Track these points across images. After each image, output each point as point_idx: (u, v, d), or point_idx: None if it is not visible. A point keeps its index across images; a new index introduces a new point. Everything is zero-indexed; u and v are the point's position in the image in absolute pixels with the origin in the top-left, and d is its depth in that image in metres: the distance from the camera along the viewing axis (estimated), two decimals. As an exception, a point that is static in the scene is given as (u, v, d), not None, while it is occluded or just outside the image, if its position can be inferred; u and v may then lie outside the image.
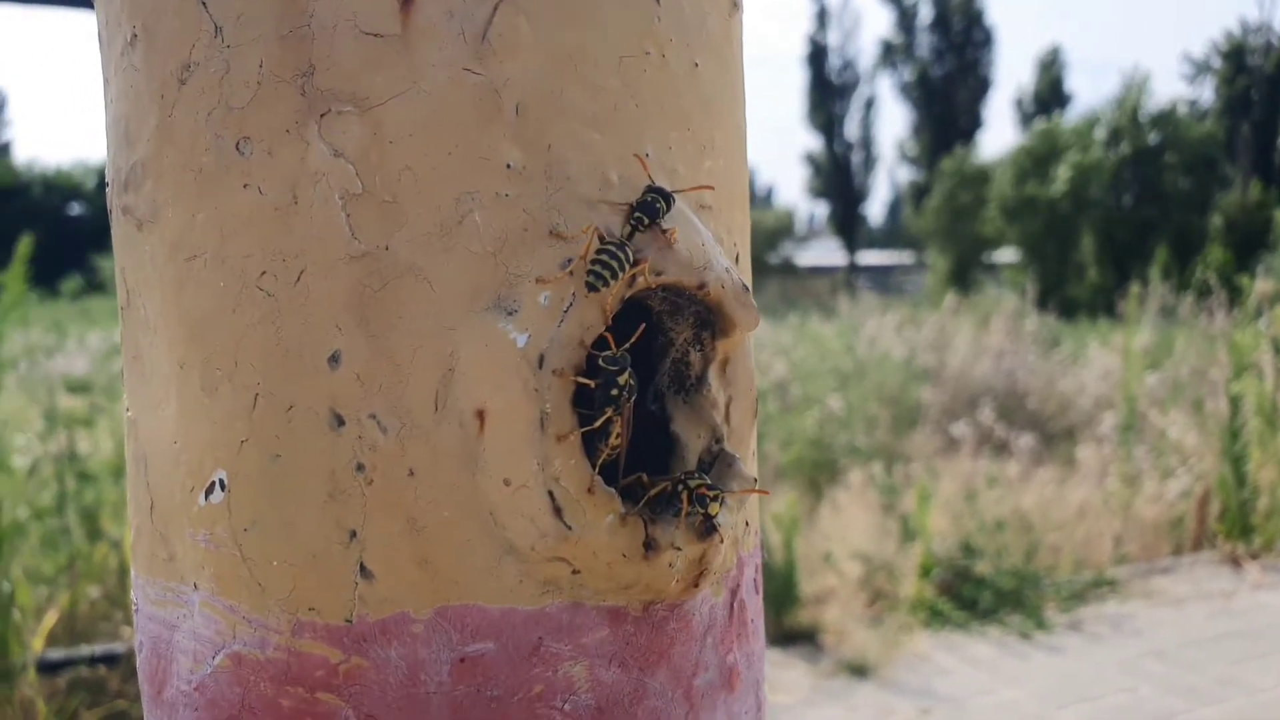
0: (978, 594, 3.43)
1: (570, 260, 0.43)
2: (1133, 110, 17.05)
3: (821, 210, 32.51)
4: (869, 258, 31.94)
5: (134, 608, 0.53)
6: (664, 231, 0.44)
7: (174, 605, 0.48)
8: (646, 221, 0.43)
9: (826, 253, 30.95)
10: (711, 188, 0.49)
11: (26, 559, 2.92)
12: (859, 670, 2.95)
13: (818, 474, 4.50)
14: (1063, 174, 16.67)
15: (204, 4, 0.43)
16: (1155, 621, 3.31)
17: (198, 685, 0.47)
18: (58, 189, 29.12)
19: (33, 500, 3.10)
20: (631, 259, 0.43)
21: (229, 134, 0.43)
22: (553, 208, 0.43)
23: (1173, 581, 3.71)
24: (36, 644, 2.58)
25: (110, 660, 2.69)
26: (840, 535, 3.70)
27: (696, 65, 0.49)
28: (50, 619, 2.69)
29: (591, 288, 0.42)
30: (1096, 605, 3.46)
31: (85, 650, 2.70)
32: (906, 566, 3.47)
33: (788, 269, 23.35)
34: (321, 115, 0.42)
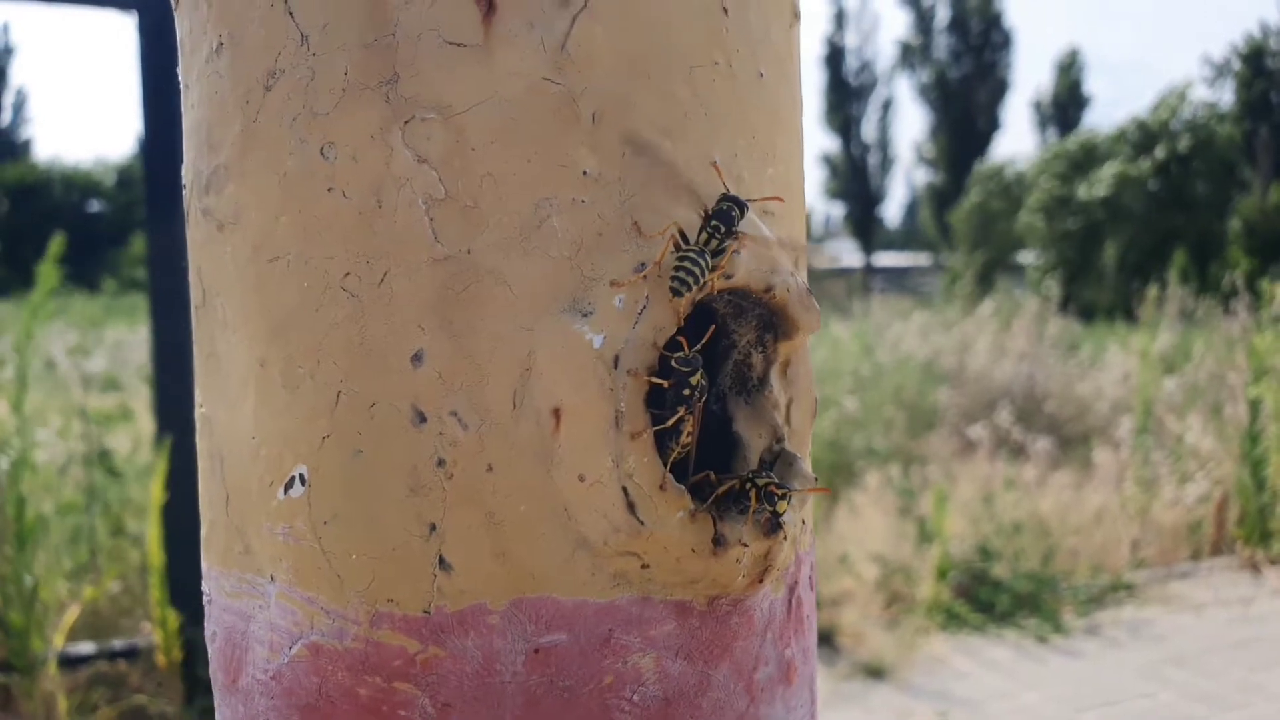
0: (995, 597, 3.43)
1: (644, 265, 0.44)
2: (1169, 116, 17.06)
3: (838, 211, 32.49)
4: (885, 259, 31.92)
5: (205, 599, 0.54)
6: (737, 238, 0.46)
7: (249, 596, 0.50)
8: (724, 230, 0.45)
9: (843, 254, 30.93)
10: (781, 200, 0.50)
11: (49, 554, 2.95)
12: (876, 672, 2.96)
13: (835, 476, 4.50)
14: (1106, 175, 16.70)
15: (290, 13, 0.45)
16: (1174, 627, 3.30)
17: (274, 674, 0.48)
18: (77, 186, 29.34)
19: (57, 496, 3.14)
20: (711, 266, 0.44)
21: (313, 139, 0.45)
22: (627, 213, 0.45)
23: (1191, 587, 3.70)
24: (58, 638, 2.61)
25: (131, 655, 2.71)
26: (857, 537, 3.71)
27: (761, 75, 0.50)
28: (72, 614, 2.72)
29: (676, 293, 0.44)
30: (1114, 610, 3.46)
31: (106, 645, 2.73)
32: (923, 569, 3.48)
33: (803, 270, 23.28)
34: (405, 122, 0.44)
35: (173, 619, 2.58)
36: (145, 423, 3.99)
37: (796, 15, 0.54)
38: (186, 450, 2.55)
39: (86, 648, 2.71)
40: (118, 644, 2.76)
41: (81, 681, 2.64)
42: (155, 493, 2.65)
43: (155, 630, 2.67)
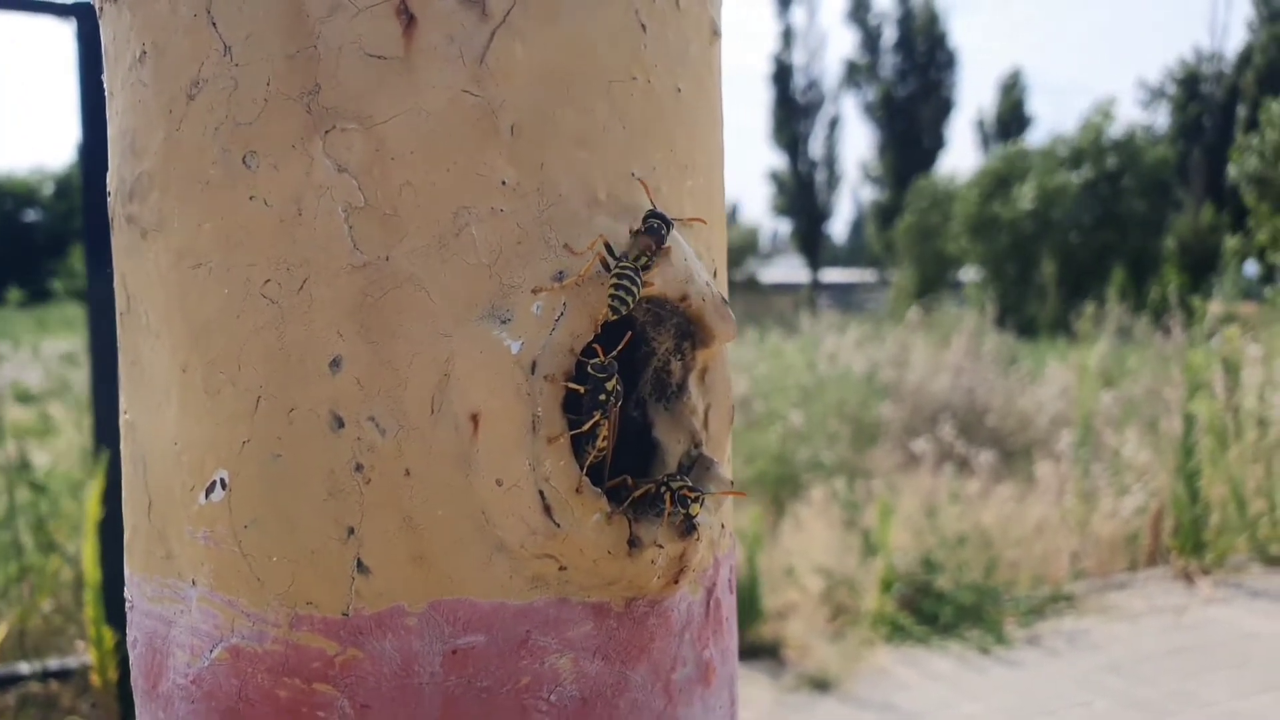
0: (938, 609, 3.48)
1: (563, 274, 0.45)
2: (1096, 134, 17.43)
3: (785, 228, 32.80)
4: (832, 275, 32.29)
5: (128, 605, 0.54)
6: (665, 254, 0.47)
7: (171, 601, 0.50)
8: (655, 248, 0.46)
9: (790, 270, 31.26)
10: (704, 221, 0.52)
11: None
12: (821, 684, 2.99)
13: (780, 489, 4.54)
14: (1027, 193, 17.02)
15: (214, 24, 0.46)
16: (1111, 636, 3.37)
17: (194, 678, 0.48)
18: (11, 195, 28.68)
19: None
20: (642, 283, 0.46)
21: (236, 148, 0.46)
22: (545, 222, 0.46)
23: (1127, 597, 3.78)
24: (-14, 658, 2.55)
25: (63, 675, 2.65)
26: (802, 550, 3.74)
27: (679, 90, 0.51)
28: (0, 632, 2.65)
29: (615, 311, 0.45)
30: (1054, 620, 3.53)
31: (37, 665, 2.67)
32: (868, 581, 3.52)
33: (751, 286, 23.57)
34: (326, 132, 0.44)
35: (109, 637, 2.52)
36: (68, 435, 3.90)
37: (716, 33, 0.55)
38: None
39: (17, 668, 2.65)
40: (51, 663, 2.70)
41: (11, 704, 2.58)
42: (92, 507, 2.60)
43: (90, 649, 2.61)
